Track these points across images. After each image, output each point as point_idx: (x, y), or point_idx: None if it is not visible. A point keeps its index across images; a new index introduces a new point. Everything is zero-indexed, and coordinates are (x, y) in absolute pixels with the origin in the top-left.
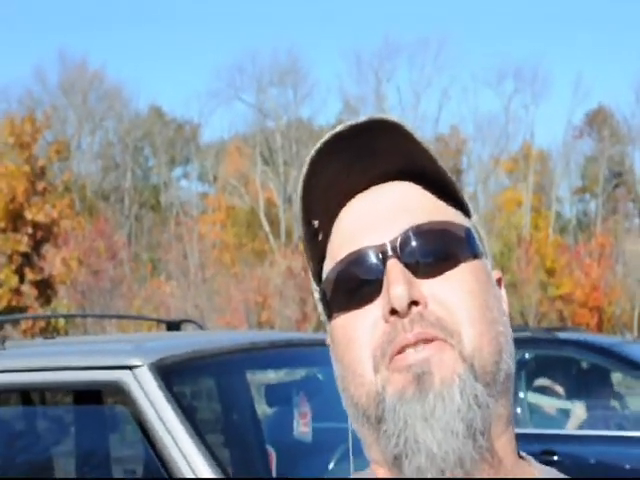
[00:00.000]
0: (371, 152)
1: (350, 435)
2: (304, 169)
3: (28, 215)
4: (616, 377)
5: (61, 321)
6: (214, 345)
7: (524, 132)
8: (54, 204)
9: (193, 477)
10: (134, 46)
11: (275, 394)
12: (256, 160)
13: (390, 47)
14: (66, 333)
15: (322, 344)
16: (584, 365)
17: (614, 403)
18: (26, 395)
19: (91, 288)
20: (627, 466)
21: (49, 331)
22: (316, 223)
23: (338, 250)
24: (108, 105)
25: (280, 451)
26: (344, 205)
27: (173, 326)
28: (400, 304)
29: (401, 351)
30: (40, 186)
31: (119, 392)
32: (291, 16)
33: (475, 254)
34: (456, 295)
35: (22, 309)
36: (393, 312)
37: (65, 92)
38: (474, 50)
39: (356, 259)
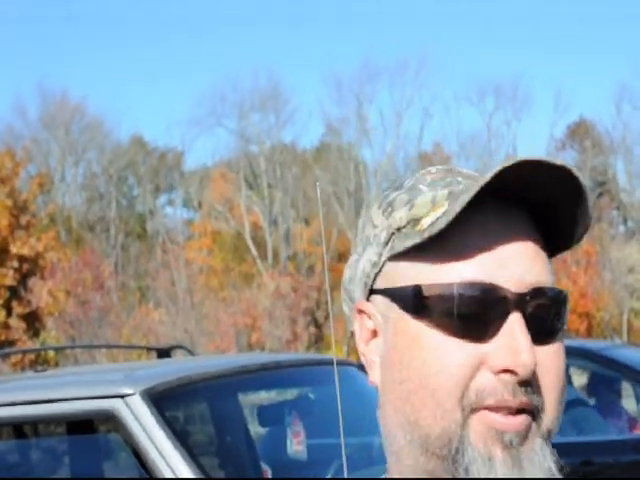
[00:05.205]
0: (530, 186)
1: (344, 451)
2: (504, 165)
3: (13, 249)
4: (607, 380)
5: (51, 353)
6: (204, 370)
7: (507, 147)
8: (39, 237)
9: None
10: (114, 77)
11: (268, 415)
12: (240, 185)
13: (370, 69)
14: (56, 364)
15: (312, 364)
16: (573, 370)
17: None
18: (19, 428)
19: (79, 319)
20: None
21: (39, 363)
22: None
23: (456, 263)
24: (90, 137)
25: (275, 470)
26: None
27: (163, 353)
28: (525, 373)
29: (497, 410)
30: (24, 220)
31: (112, 421)
32: (270, 41)
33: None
34: (554, 373)
35: (11, 343)
36: (507, 371)
37: (46, 126)
38: (454, 69)
39: (482, 290)
